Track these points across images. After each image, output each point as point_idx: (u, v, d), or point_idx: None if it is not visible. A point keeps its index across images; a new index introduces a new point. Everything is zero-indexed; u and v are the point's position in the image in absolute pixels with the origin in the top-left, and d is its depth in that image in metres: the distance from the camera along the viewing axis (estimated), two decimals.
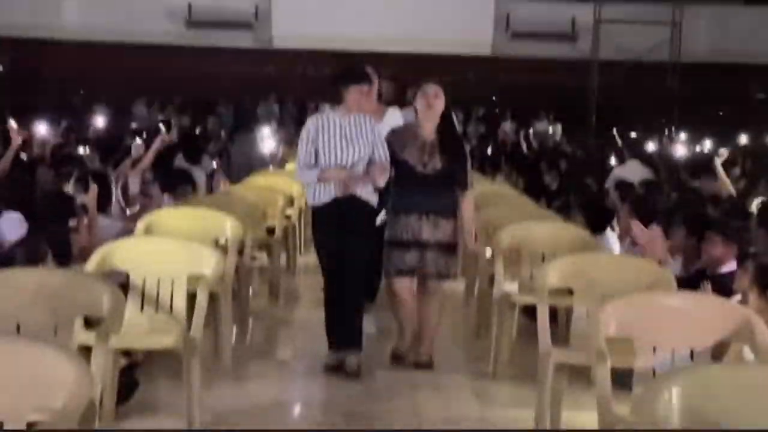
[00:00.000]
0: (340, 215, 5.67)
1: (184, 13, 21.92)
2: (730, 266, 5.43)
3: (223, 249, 6.01)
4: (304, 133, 5.72)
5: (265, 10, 21.88)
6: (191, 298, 4.97)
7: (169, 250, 5.10)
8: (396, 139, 5.87)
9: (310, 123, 5.77)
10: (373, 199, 5.76)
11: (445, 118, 5.91)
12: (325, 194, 5.69)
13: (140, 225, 6.12)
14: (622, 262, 5.45)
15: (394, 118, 6.82)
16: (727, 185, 8.58)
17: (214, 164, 9.84)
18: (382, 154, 5.73)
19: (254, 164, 10.61)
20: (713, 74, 21.00)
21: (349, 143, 5.67)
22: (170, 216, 6.43)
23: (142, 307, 4.89)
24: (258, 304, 7.59)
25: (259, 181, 9.45)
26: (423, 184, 5.77)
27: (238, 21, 21.86)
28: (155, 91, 20.56)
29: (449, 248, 5.86)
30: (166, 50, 21.43)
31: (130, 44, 21.19)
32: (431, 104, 5.83)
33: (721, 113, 19.56)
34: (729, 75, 21.07)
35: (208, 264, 4.99)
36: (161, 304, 4.89)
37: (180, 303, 4.88)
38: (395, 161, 5.78)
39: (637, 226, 5.92)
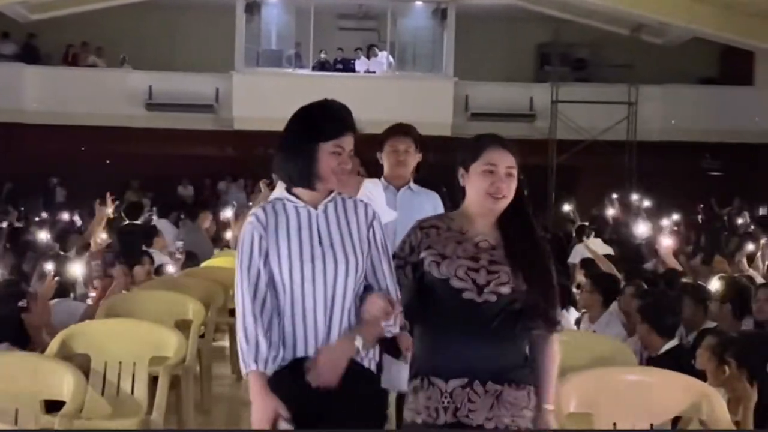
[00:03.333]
0: (311, 397, 3.14)
1: (145, 95, 22.02)
2: None
3: (185, 331, 6.00)
4: (246, 236, 3.24)
5: (226, 93, 22.03)
6: (153, 380, 4.97)
7: (131, 332, 5.10)
8: (426, 240, 3.27)
9: (256, 219, 3.25)
10: (373, 363, 3.30)
11: (517, 203, 3.31)
12: (284, 351, 3.19)
13: (102, 308, 6.11)
14: (582, 339, 5.51)
15: (375, 195, 4.58)
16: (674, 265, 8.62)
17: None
18: (387, 275, 3.30)
19: (217, 245, 10.61)
20: (668, 151, 21.36)
21: (327, 252, 3.21)
22: (131, 298, 6.42)
23: (103, 391, 4.87)
24: (221, 386, 7.55)
25: (220, 261, 9.44)
26: (478, 323, 3.17)
27: (198, 103, 21.98)
28: (115, 172, 20.56)
29: None
30: (126, 132, 21.48)
31: (90, 127, 21.23)
32: (501, 188, 3.27)
33: (677, 190, 19.82)
34: (683, 152, 21.44)
35: (171, 346, 4.99)
36: (123, 387, 4.87)
37: (142, 386, 4.87)
38: (425, 282, 3.24)
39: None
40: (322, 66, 22.79)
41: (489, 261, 3.23)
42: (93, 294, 6.90)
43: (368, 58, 22.89)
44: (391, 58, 22.67)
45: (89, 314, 6.13)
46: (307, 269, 3.17)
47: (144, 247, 8.39)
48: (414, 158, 5.07)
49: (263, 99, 21.40)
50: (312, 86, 21.90)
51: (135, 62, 22.64)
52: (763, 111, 21.46)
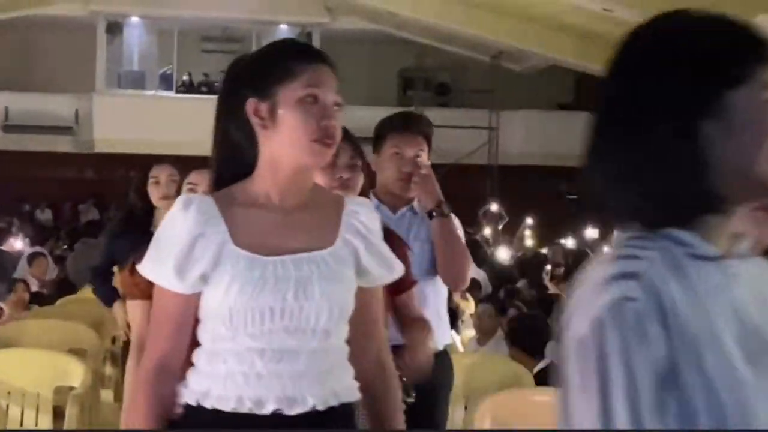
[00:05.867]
0: None
1: (1, 116, 21.40)
2: None
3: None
4: (624, 349, 1.17)
5: (86, 115, 21.62)
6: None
7: (33, 362, 4.99)
8: None
9: (651, 299, 1.20)
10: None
11: None
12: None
13: None
14: (480, 361, 5.64)
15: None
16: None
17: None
18: None
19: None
20: (528, 175, 21.94)
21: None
22: (19, 327, 6.27)
23: (5, 422, 4.75)
24: (106, 414, 7.41)
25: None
26: None
27: (57, 125, 21.48)
28: None
29: None
30: None
31: None
32: None
33: (536, 213, 20.37)
34: (541, 176, 22.05)
35: (74, 375, 4.90)
36: (27, 418, 4.77)
37: (47, 416, 4.78)
38: None
39: None
40: (186, 88, 22.61)
41: None
42: None
43: None
44: None
45: None
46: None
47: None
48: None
49: (125, 121, 21.09)
50: (175, 108, 21.75)
51: None
52: None
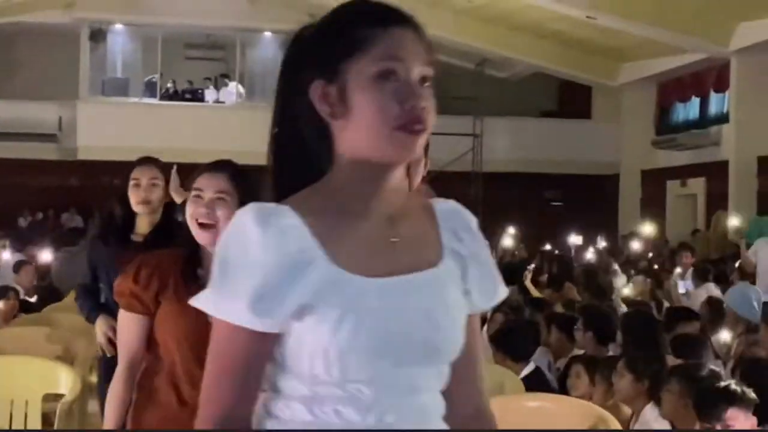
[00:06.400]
0: None
1: None
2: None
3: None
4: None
5: (70, 122, 21.55)
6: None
7: (22, 369, 4.98)
8: None
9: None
10: None
11: None
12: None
13: None
14: None
15: None
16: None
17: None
18: None
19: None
20: (512, 182, 21.98)
21: None
22: (8, 336, 6.26)
23: None
24: (92, 423, 7.38)
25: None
26: None
27: (41, 132, 21.40)
28: None
29: None
30: None
31: None
32: None
33: (521, 219, 20.42)
34: (526, 183, 22.10)
35: (65, 384, 4.88)
36: (15, 426, 4.75)
37: (35, 424, 4.76)
38: None
39: None
40: (170, 95, 22.56)
41: None
42: None
43: (217, 88, 22.78)
44: (241, 89, 22.62)
45: None
46: None
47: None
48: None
49: (109, 128, 21.03)
50: (159, 116, 21.70)
51: None
52: (600, 143, 22.35)
